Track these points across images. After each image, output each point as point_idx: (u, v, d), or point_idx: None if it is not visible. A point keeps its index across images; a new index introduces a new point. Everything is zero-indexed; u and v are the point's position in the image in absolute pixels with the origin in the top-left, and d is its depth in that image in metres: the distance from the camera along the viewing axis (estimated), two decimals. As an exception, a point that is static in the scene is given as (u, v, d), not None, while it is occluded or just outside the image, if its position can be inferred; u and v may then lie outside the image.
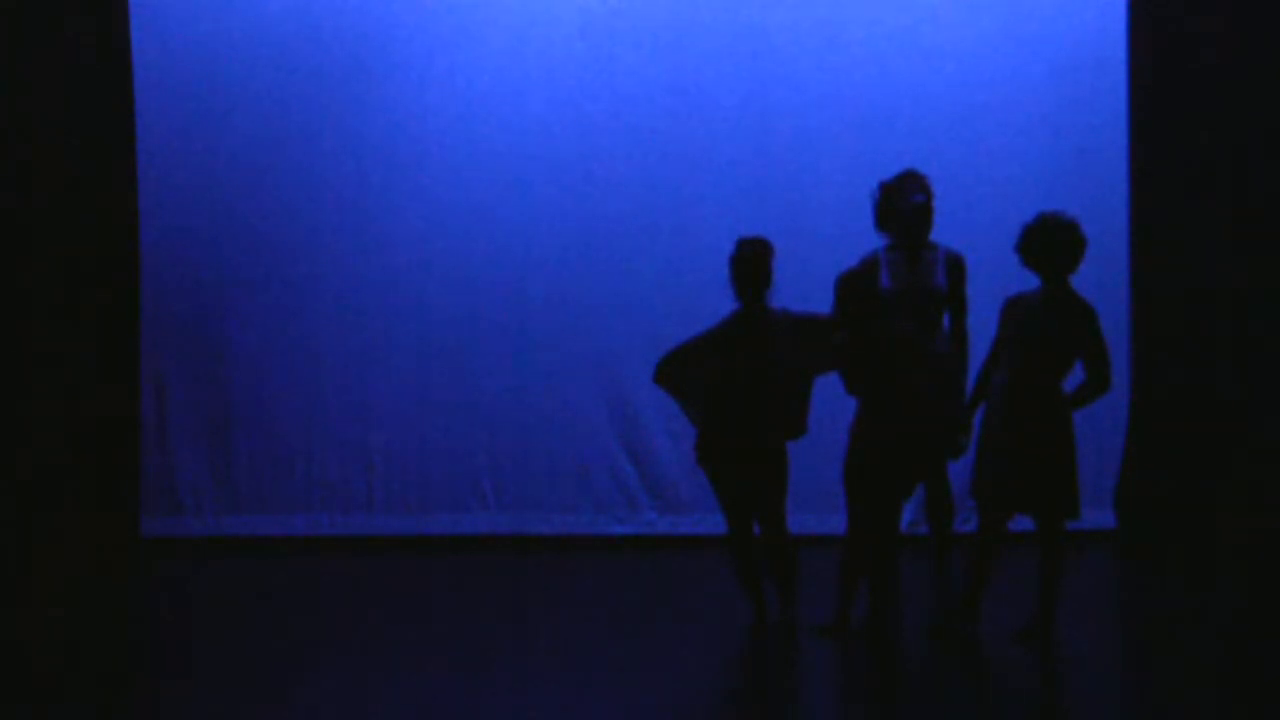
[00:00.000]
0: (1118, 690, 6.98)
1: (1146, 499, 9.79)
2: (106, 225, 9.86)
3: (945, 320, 8.05)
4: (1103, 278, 9.73)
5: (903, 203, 7.92)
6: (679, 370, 7.77)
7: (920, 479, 7.75)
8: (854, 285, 7.56)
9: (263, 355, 10.09)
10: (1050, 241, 7.42)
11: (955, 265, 7.97)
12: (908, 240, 7.93)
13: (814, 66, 10.02)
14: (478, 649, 7.54)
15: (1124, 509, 9.86)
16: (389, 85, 10.07)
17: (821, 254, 8.39)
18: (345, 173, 10.08)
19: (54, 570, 9.35)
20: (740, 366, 7.61)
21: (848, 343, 7.53)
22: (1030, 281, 7.52)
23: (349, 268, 10.10)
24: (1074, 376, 7.51)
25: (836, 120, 10.00)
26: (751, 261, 7.65)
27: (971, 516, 8.82)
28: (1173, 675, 7.04)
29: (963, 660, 7.36)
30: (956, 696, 6.83)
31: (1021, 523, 7.56)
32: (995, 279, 8.21)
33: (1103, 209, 9.82)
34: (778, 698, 6.86)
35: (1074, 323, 7.38)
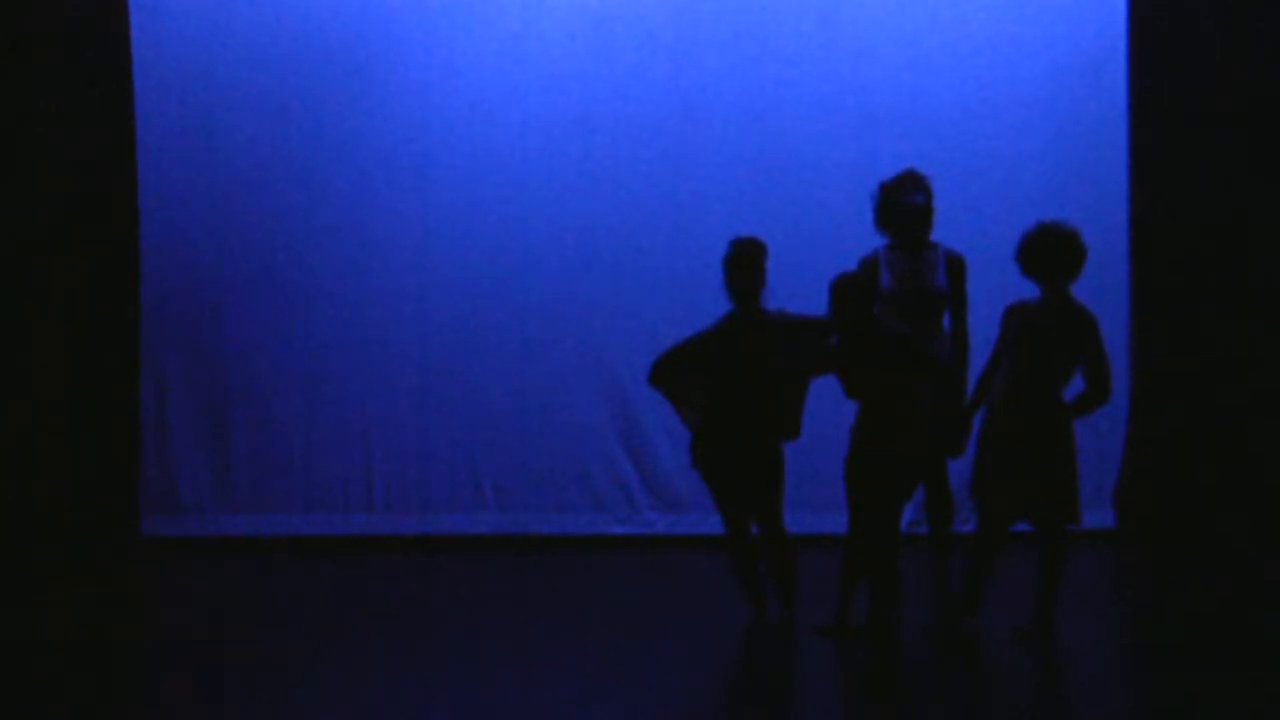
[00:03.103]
0: (1117, 689, 6.98)
1: (1146, 499, 9.80)
2: (107, 225, 9.87)
3: (946, 320, 8.04)
4: (1103, 279, 9.74)
5: (902, 203, 7.92)
6: (674, 372, 7.76)
7: (920, 480, 7.75)
8: (855, 286, 7.55)
9: (263, 355, 10.09)
10: (1050, 251, 7.38)
11: (955, 265, 7.96)
12: (907, 240, 7.93)
13: (814, 66, 10.02)
14: (478, 649, 7.55)
15: (1124, 509, 9.86)
16: (389, 85, 10.07)
17: (821, 254, 8.39)
18: (345, 173, 10.08)
19: (54, 570, 9.35)
20: (734, 368, 7.60)
21: (843, 346, 7.53)
22: (1033, 287, 7.51)
23: (349, 268, 10.10)
24: (1074, 384, 7.51)
25: (836, 120, 10.00)
26: (745, 262, 7.64)
27: (971, 517, 8.83)
28: (1172, 674, 7.04)
29: (963, 660, 7.35)
30: (956, 696, 6.83)
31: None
32: (995, 279, 8.23)
33: (1103, 209, 9.84)
34: (778, 698, 6.86)
35: (1074, 332, 7.36)
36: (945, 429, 7.66)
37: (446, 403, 10.10)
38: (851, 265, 7.79)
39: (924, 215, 7.93)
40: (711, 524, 9.52)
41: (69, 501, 9.71)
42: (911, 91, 9.98)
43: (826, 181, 9.89)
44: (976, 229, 8.84)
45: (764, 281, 7.66)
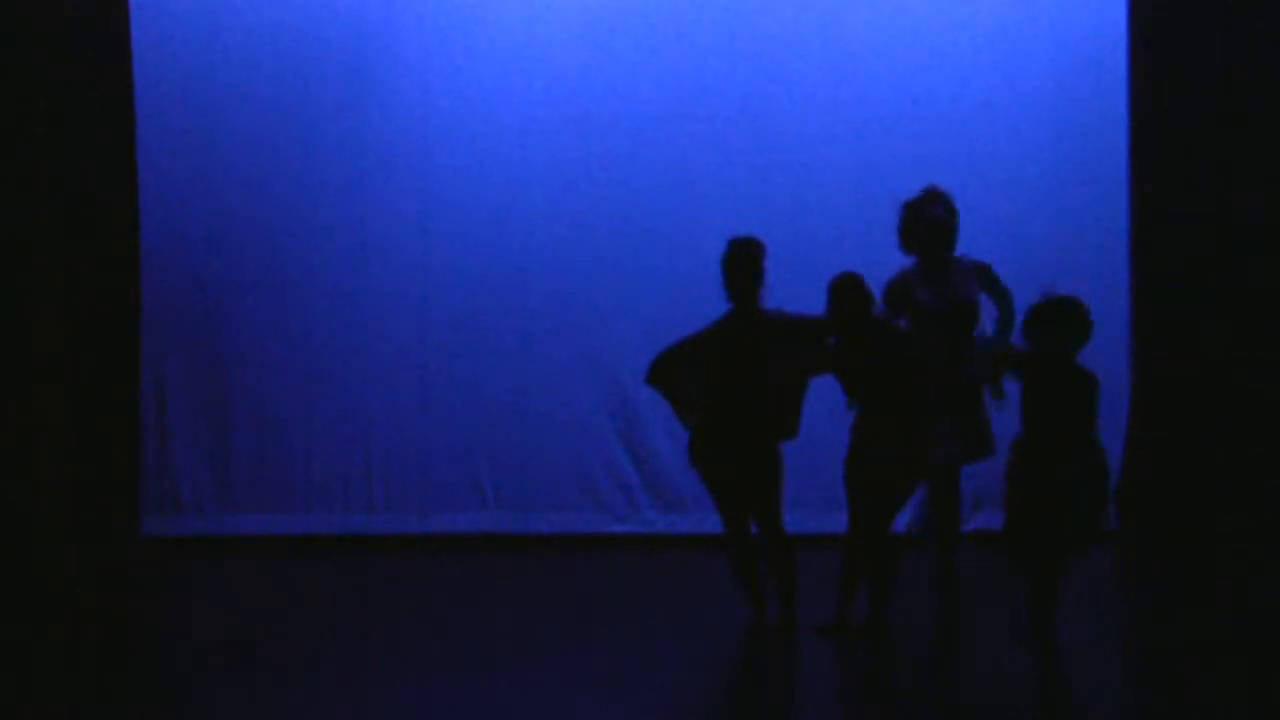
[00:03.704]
0: (1117, 690, 6.98)
1: (1146, 499, 9.80)
2: (106, 226, 9.86)
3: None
4: (1103, 278, 9.75)
5: (925, 219, 7.93)
6: (672, 371, 7.75)
7: (919, 481, 7.73)
8: (854, 285, 7.55)
9: (263, 355, 10.09)
10: (1056, 324, 7.21)
11: (984, 275, 8.04)
12: (933, 256, 7.93)
13: (814, 67, 10.01)
14: (478, 649, 7.55)
15: (1124, 509, 9.86)
16: (389, 85, 10.08)
17: (821, 254, 8.40)
18: (345, 173, 10.08)
19: (54, 570, 9.35)
20: (733, 367, 7.59)
21: (842, 346, 7.53)
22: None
23: (349, 268, 10.10)
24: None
25: (836, 120, 9.99)
26: (744, 261, 7.63)
27: (971, 517, 8.90)
28: (1172, 675, 7.04)
29: (962, 660, 7.36)
30: (954, 697, 6.83)
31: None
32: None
33: (1103, 209, 9.85)
34: (778, 698, 6.86)
35: (1074, 403, 7.23)
36: (953, 435, 7.66)
37: (446, 403, 10.10)
38: (851, 265, 7.77)
39: (947, 229, 7.95)
40: (712, 524, 9.49)
41: (69, 501, 9.70)
42: (912, 91, 9.97)
43: (826, 181, 9.89)
44: (977, 229, 8.82)
45: (763, 281, 7.66)
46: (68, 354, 9.77)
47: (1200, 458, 9.67)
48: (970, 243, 8.16)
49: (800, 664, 7.41)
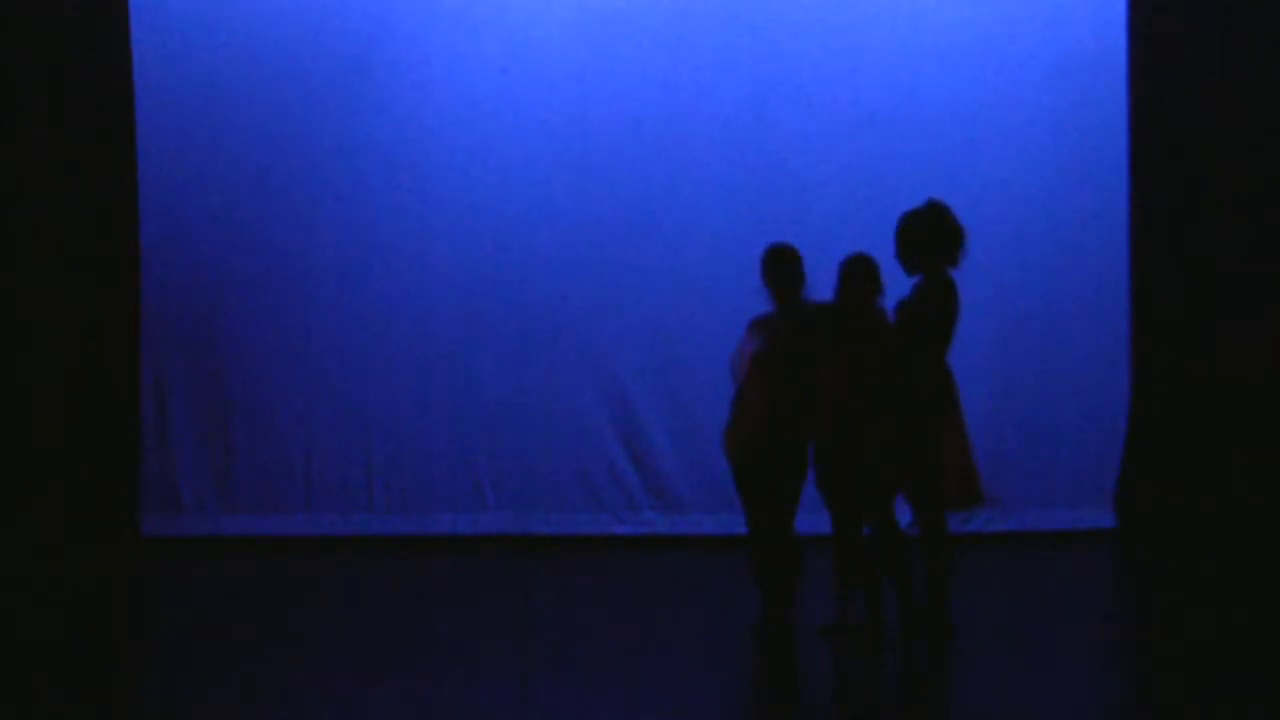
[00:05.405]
0: (1116, 689, 6.98)
1: (1146, 499, 9.80)
2: (107, 225, 9.86)
3: None
4: (1103, 278, 9.76)
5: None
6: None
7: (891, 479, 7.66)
8: (868, 264, 7.57)
9: (263, 355, 10.09)
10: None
11: None
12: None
13: (814, 67, 10.01)
14: (478, 649, 7.55)
15: (1124, 509, 9.86)
16: (389, 85, 10.07)
17: (820, 253, 8.38)
18: (345, 173, 10.08)
19: (54, 571, 9.35)
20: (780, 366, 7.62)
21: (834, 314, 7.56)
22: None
23: (348, 268, 10.10)
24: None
25: (836, 120, 9.99)
26: (789, 259, 7.64)
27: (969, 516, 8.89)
28: (1171, 675, 7.04)
29: (959, 660, 7.36)
30: (954, 695, 6.83)
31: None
32: (995, 279, 8.25)
33: (1103, 209, 9.85)
34: (778, 697, 6.87)
35: None
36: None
37: (446, 402, 10.10)
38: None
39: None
40: (712, 524, 9.56)
41: (69, 501, 9.70)
42: (910, 91, 9.97)
43: (825, 182, 9.89)
44: (976, 229, 8.80)
45: (804, 280, 7.65)
46: (68, 354, 9.76)
47: (1200, 457, 9.67)
48: (970, 244, 8.13)
49: (800, 664, 7.42)
